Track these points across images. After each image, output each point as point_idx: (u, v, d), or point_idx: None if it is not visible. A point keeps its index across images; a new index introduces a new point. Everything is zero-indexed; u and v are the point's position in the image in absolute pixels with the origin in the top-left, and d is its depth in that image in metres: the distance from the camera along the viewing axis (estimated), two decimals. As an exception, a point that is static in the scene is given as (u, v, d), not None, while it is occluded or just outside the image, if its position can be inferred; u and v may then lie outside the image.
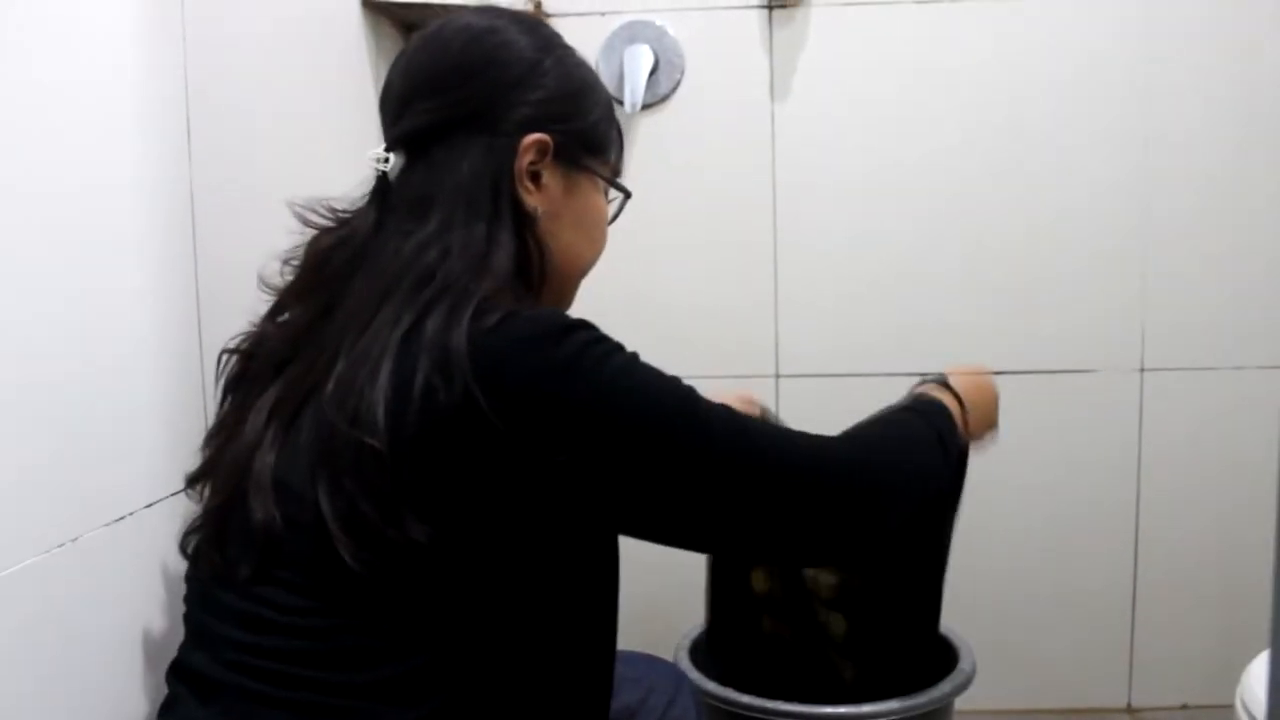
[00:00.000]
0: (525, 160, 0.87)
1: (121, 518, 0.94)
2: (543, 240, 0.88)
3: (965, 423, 1.01)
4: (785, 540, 0.82)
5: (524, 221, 0.87)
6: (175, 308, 1.04)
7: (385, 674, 0.76)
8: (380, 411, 0.73)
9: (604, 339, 0.78)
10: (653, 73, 1.73)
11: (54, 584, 0.84)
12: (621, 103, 1.70)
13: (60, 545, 0.85)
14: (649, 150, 1.76)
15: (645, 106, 1.73)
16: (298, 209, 0.91)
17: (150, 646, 0.98)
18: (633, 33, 1.74)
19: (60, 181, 0.86)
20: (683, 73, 1.75)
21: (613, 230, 0.99)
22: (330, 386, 0.77)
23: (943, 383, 1.03)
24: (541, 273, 0.88)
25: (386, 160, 0.88)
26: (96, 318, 0.91)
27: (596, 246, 0.97)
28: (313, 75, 1.39)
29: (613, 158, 0.98)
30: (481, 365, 0.73)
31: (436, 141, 0.87)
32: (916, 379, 1.06)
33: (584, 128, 0.92)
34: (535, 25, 0.94)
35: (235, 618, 0.80)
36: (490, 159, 0.86)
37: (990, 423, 1.08)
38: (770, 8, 1.74)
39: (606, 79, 1.73)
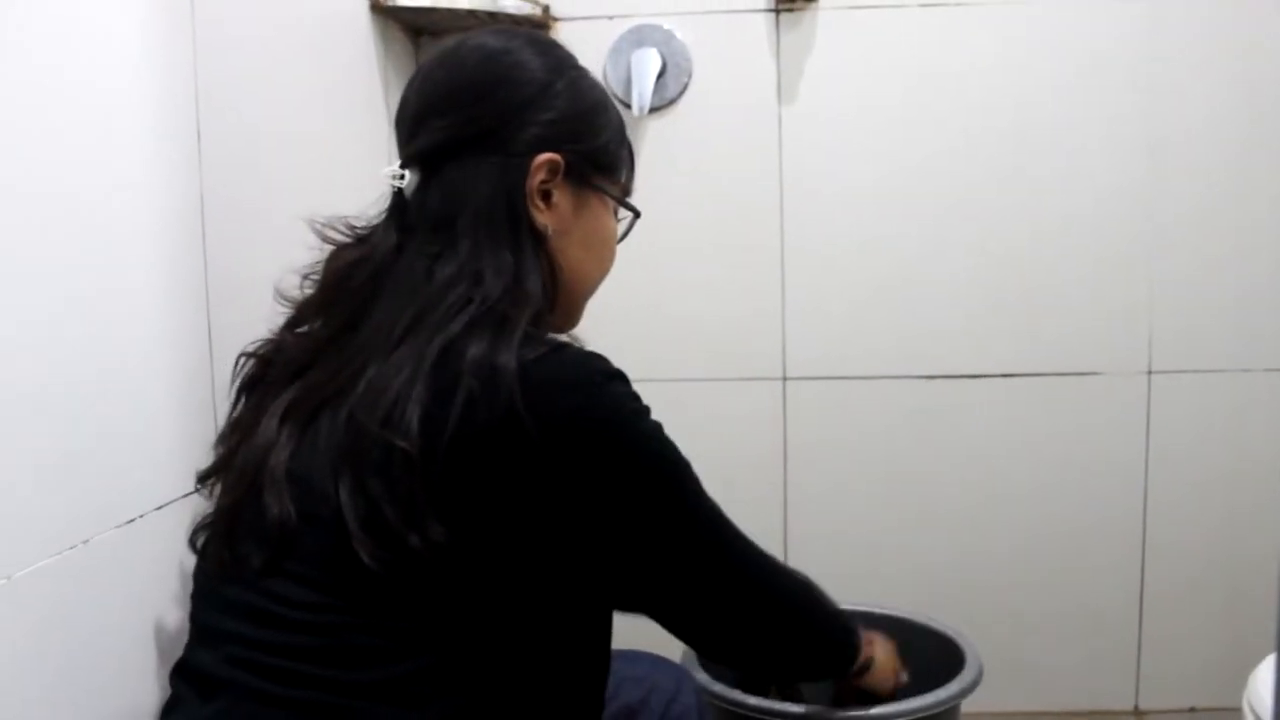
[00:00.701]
0: (537, 179, 0.89)
1: (132, 519, 0.95)
2: (553, 258, 0.91)
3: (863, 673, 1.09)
4: (719, 632, 0.93)
5: (536, 240, 0.89)
6: (185, 310, 1.05)
7: (391, 674, 0.77)
8: (415, 416, 0.76)
9: (638, 396, 0.84)
10: (660, 76, 1.73)
11: (66, 585, 0.85)
12: (629, 106, 1.70)
13: (72, 547, 0.86)
14: (656, 153, 1.76)
15: (653, 110, 1.73)
16: (317, 226, 0.93)
17: (160, 647, 0.98)
18: (640, 36, 1.74)
19: (71, 184, 0.87)
20: (690, 76, 1.75)
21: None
22: (360, 389, 0.80)
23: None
24: (553, 290, 0.91)
25: (402, 176, 0.90)
26: (107, 321, 0.92)
27: (604, 265, 1.00)
28: (321, 78, 1.40)
29: (623, 177, 1.00)
30: (529, 389, 0.76)
31: (450, 159, 0.89)
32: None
33: (595, 147, 0.94)
34: (550, 46, 0.96)
35: (243, 612, 0.81)
36: (504, 179, 0.89)
37: (886, 687, 1.13)
38: (777, 11, 1.74)
39: (614, 83, 1.74)
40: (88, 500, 0.89)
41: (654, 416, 0.85)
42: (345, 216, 0.94)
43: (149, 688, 0.97)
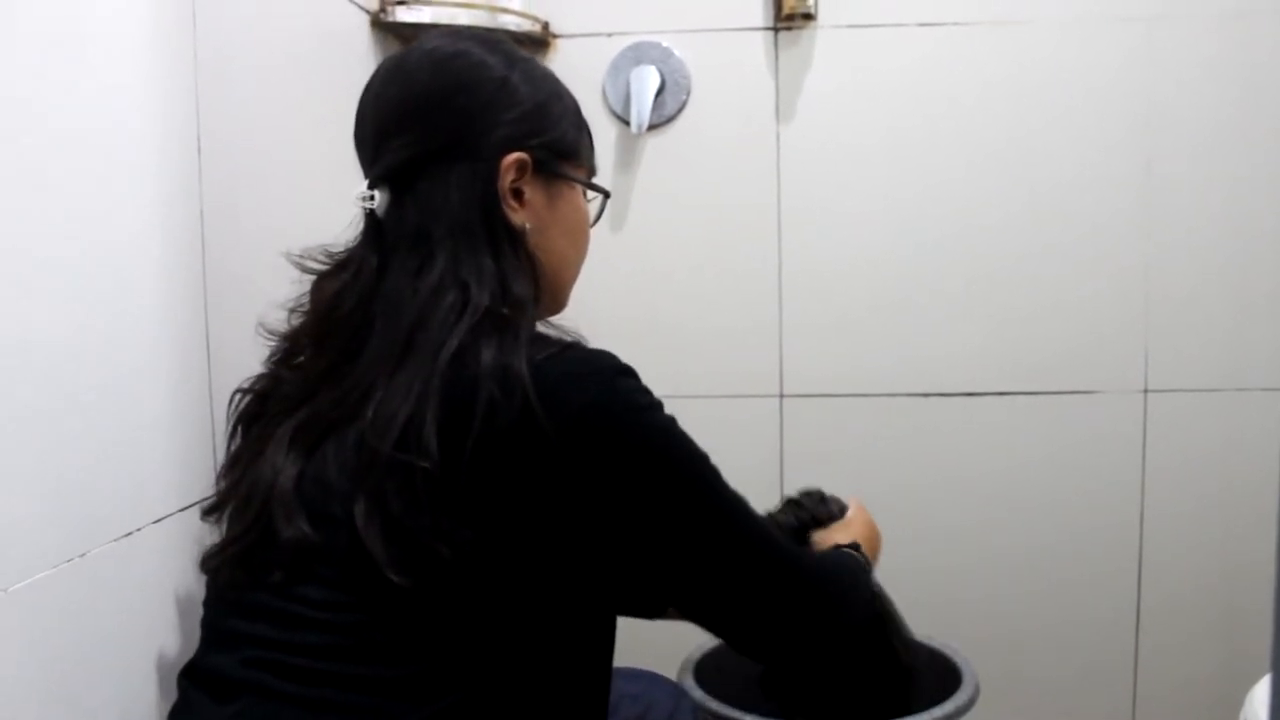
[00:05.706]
0: (507, 180, 0.89)
1: (129, 533, 0.95)
2: (534, 254, 0.90)
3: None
4: (754, 625, 0.89)
5: (515, 239, 0.89)
6: (184, 324, 1.05)
7: (409, 671, 0.77)
8: (432, 434, 0.76)
9: (648, 391, 0.84)
10: (659, 94, 1.74)
11: (62, 599, 0.85)
12: (628, 123, 1.71)
13: (69, 560, 0.86)
14: (655, 171, 1.77)
15: (651, 127, 1.74)
16: (295, 258, 0.92)
17: (157, 662, 0.98)
18: (639, 54, 1.75)
19: (73, 202, 0.87)
20: (689, 94, 1.76)
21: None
22: (369, 415, 0.79)
23: (854, 546, 1.07)
24: (537, 285, 0.90)
25: (372, 197, 0.89)
26: (106, 334, 0.92)
27: (583, 250, 1.00)
28: (322, 93, 1.40)
29: (586, 159, 0.99)
30: (542, 387, 0.77)
31: (419, 174, 0.89)
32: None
33: (556, 137, 0.94)
34: (497, 41, 0.95)
35: (265, 615, 0.81)
36: (475, 185, 0.88)
37: (875, 557, 1.14)
38: (776, 29, 1.75)
39: (613, 100, 1.75)
40: (85, 513, 0.88)
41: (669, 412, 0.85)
42: (322, 245, 0.93)
43: (147, 701, 0.96)
